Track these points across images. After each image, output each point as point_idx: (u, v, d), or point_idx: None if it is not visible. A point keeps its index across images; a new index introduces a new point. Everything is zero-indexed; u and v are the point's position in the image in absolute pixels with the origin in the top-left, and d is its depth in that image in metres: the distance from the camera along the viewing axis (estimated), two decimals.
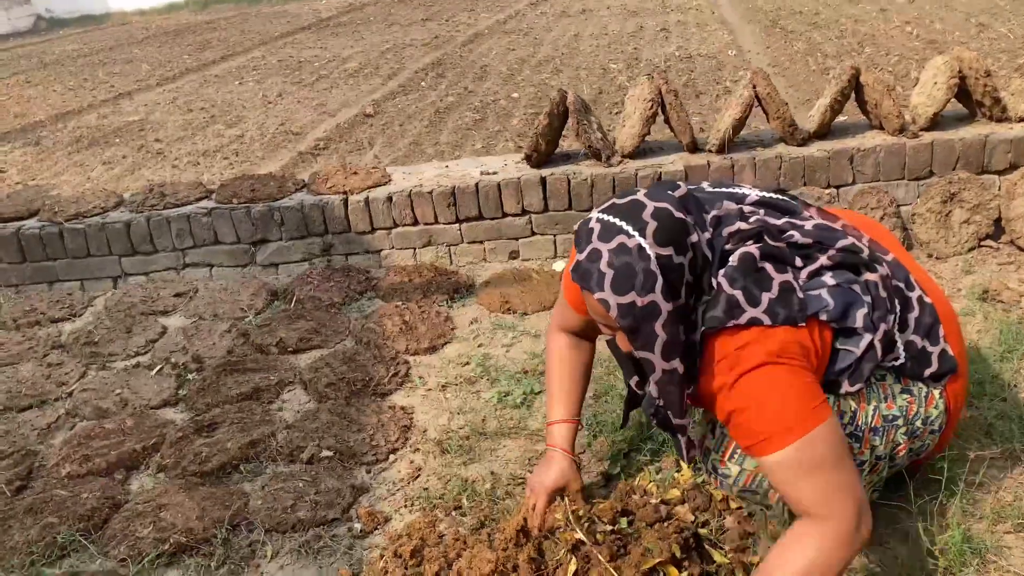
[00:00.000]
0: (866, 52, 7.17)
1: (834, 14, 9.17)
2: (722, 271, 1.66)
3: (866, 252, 1.79)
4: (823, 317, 1.67)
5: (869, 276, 1.76)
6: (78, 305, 3.84)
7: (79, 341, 3.44)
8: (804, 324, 1.64)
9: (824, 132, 3.63)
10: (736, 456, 1.76)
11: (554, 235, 3.81)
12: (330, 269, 3.85)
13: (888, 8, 9.17)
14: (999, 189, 3.42)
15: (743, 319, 1.61)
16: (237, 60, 10.86)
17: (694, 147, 3.70)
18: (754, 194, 1.84)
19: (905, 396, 1.81)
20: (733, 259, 1.66)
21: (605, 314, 1.60)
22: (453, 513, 2.23)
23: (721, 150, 3.60)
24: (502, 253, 3.87)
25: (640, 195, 1.65)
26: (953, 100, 3.52)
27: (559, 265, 3.75)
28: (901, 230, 3.45)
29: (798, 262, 1.73)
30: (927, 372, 1.82)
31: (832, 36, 8.01)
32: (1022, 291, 3.00)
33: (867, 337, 1.71)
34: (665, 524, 1.91)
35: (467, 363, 3.04)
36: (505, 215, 3.80)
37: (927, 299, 1.87)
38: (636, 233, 1.57)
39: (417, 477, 2.43)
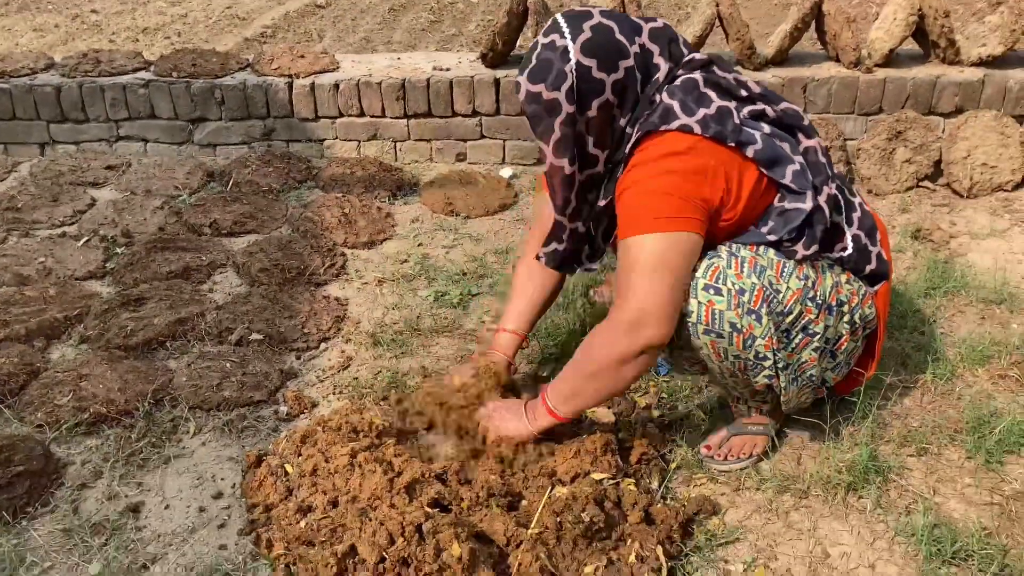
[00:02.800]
0: None
1: None
2: (666, 88, 1.74)
3: (807, 121, 1.85)
4: (750, 153, 1.73)
5: (806, 141, 1.83)
6: (1, 169, 3.66)
7: (1, 206, 3.29)
8: (732, 146, 1.70)
9: (781, 59, 3.62)
10: (690, 290, 1.75)
11: (504, 140, 3.75)
12: (270, 154, 3.73)
13: None
14: (943, 132, 3.47)
15: (674, 124, 1.69)
16: None
17: None
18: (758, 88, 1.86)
19: (850, 287, 1.86)
20: (678, 81, 1.75)
21: (520, 100, 1.77)
22: (381, 403, 2.23)
23: None
24: (449, 154, 3.81)
25: (598, 8, 1.75)
26: (910, 39, 3.54)
27: (506, 171, 3.71)
28: (845, 164, 3.49)
29: (742, 93, 1.79)
30: (867, 269, 1.89)
31: None
32: (952, 232, 3.09)
33: (810, 197, 1.75)
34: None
35: (405, 260, 3.02)
36: (455, 114, 3.72)
37: (867, 207, 1.95)
38: (569, 37, 1.70)
39: (347, 367, 2.43)
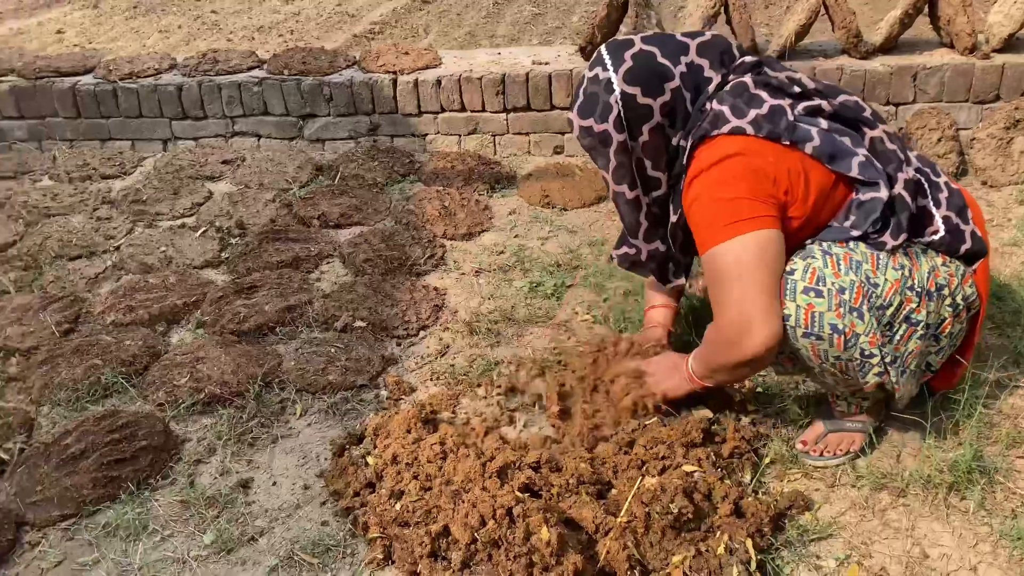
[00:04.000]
0: None
1: None
2: (715, 96, 1.74)
3: (869, 111, 1.81)
4: (808, 150, 1.70)
5: (871, 132, 1.79)
6: (128, 164, 3.91)
7: (128, 198, 3.52)
8: (788, 145, 1.68)
9: (890, 46, 3.50)
10: (788, 293, 1.72)
11: None
12: (375, 149, 3.86)
13: None
14: None
15: (725, 128, 1.69)
16: None
17: (754, 51, 3.59)
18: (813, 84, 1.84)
19: (947, 269, 1.81)
20: (727, 87, 1.75)
21: (575, 136, 1.84)
22: (476, 390, 2.30)
23: (781, 57, 3.50)
24: (546, 147, 3.84)
25: (639, 35, 1.78)
26: None
27: None
28: (957, 155, 3.35)
29: (795, 91, 1.76)
30: (963, 249, 1.83)
31: None
32: None
33: (884, 186, 1.72)
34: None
35: (502, 252, 3.08)
36: (554, 107, 3.75)
37: (953, 185, 1.89)
38: (611, 68, 1.75)
39: (444, 354, 2.50)
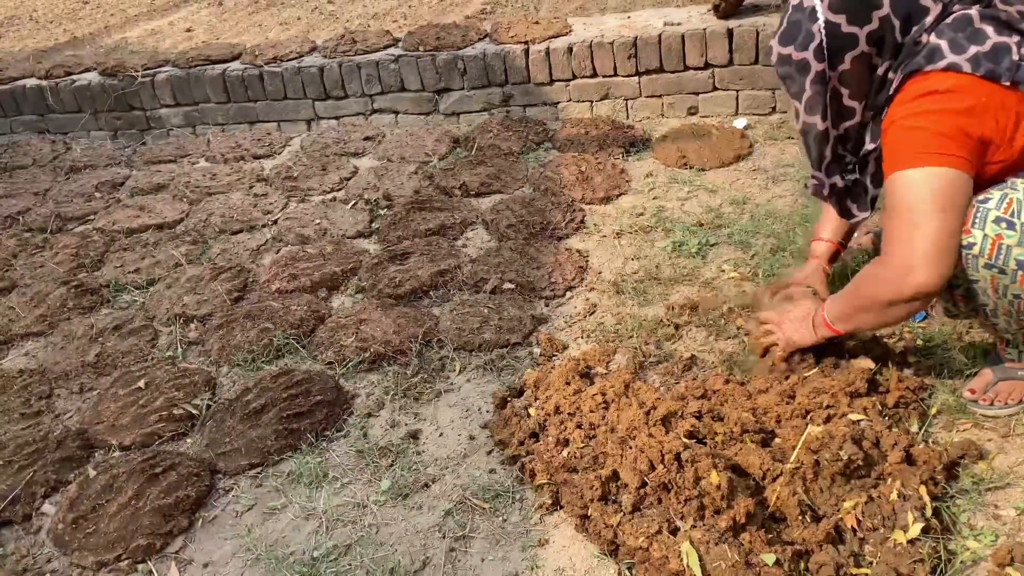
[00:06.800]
0: None
1: None
2: (935, 29, 1.67)
3: None
4: None
5: None
6: (277, 144, 4.12)
7: (280, 176, 3.72)
8: (1008, 86, 1.60)
9: None
10: (977, 221, 1.67)
11: (737, 91, 3.71)
12: (509, 119, 3.93)
13: None
14: None
15: (940, 64, 1.63)
16: None
17: None
18: None
19: None
20: (949, 19, 1.67)
21: (772, 64, 1.82)
22: (626, 346, 2.34)
23: None
24: (680, 108, 3.82)
25: None
26: None
27: (740, 122, 3.67)
28: None
29: None
30: None
31: None
32: None
33: None
34: None
35: (641, 214, 3.09)
36: (687, 68, 3.72)
37: None
38: None
39: (592, 313, 2.55)
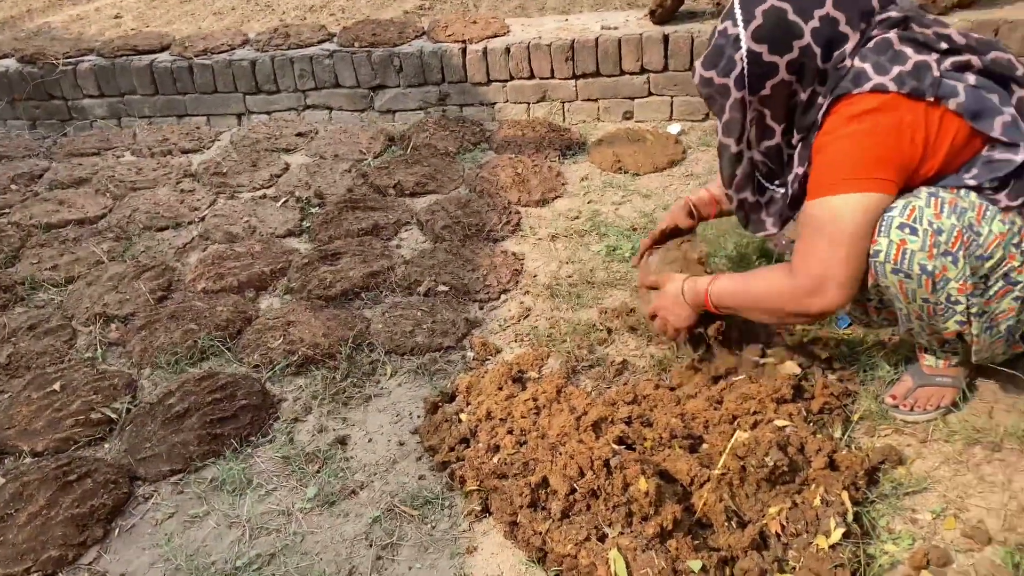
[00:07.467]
0: None
1: None
2: (858, 53, 1.71)
3: (1021, 70, 1.74)
4: (952, 106, 1.65)
5: (1020, 91, 1.73)
6: (206, 138, 4.02)
7: (209, 171, 3.62)
8: (932, 101, 1.64)
9: (969, 2, 3.41)
10: (883, 229, 1.71)
11: (672, 96, 3.75)
12: (445, 119, 3.90)
13: None
14: None
15: (867, 86, 1.66)
16: None
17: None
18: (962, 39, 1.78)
19: None
20: (871, 44, 1.71)
21: (695, 83, 1.88)
22: (559, 350, 2.33)
23: None
24: (616, 113, 3.84)
25: None
26: None
27: (675, 128, 3.71)
28: None
29: (942, 46, 1.71)
30: None
31: None
32: None
33: (1022, 151, 1.67)
34: None
35: (577, 217, 3.09)
36: (623, 72, 3.74)
37: None
38: (741, 24, 1.75)
39: (527, 316, 2.54)
